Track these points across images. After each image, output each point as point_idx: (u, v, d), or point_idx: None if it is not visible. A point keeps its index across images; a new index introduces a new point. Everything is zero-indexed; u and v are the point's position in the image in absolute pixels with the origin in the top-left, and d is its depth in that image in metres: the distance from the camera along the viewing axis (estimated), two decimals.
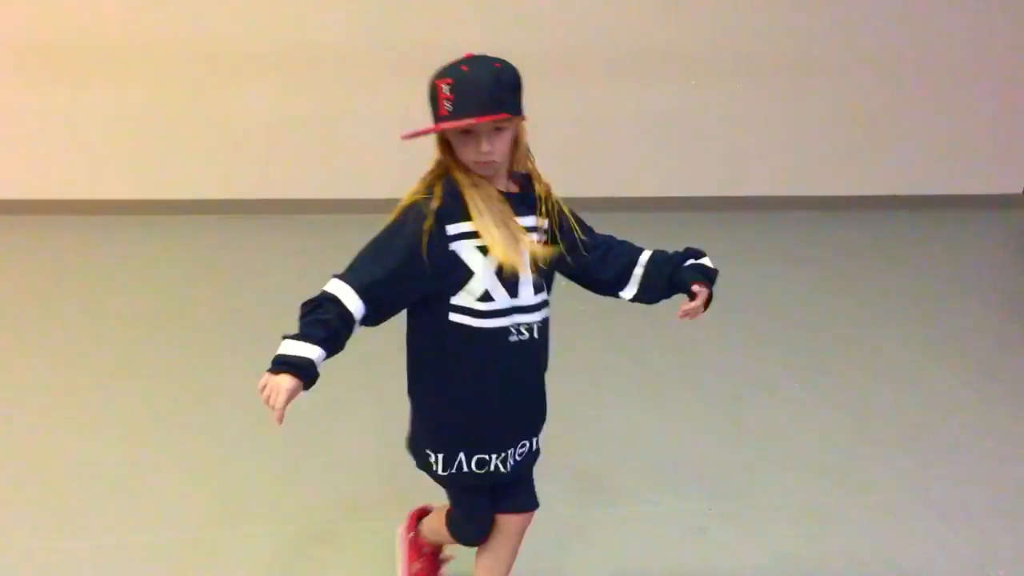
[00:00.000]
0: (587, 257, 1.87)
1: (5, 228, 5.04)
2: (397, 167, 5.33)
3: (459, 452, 1.83)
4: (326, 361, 1.59)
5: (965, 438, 3.25)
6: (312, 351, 1.56)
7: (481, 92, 1.65)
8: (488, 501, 1.95)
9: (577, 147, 5.68)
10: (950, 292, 4.73)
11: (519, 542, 2.02)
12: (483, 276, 1.72)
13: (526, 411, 1.89)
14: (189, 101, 5.24)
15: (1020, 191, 6.37)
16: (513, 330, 1.76)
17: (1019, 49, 6.01)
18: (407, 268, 1.67)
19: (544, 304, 1.83)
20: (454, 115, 1.65)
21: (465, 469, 1.84)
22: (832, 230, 5.74)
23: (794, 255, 5.20)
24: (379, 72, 5.31)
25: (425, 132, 1.70)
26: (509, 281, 1.74)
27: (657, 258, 1.90)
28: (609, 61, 5.57)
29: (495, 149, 1.70)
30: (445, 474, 1.85)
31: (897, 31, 5.81)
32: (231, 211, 5.42)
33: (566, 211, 1.87)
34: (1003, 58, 6.01)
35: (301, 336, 1.58)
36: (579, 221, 1.90)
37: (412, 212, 1.70)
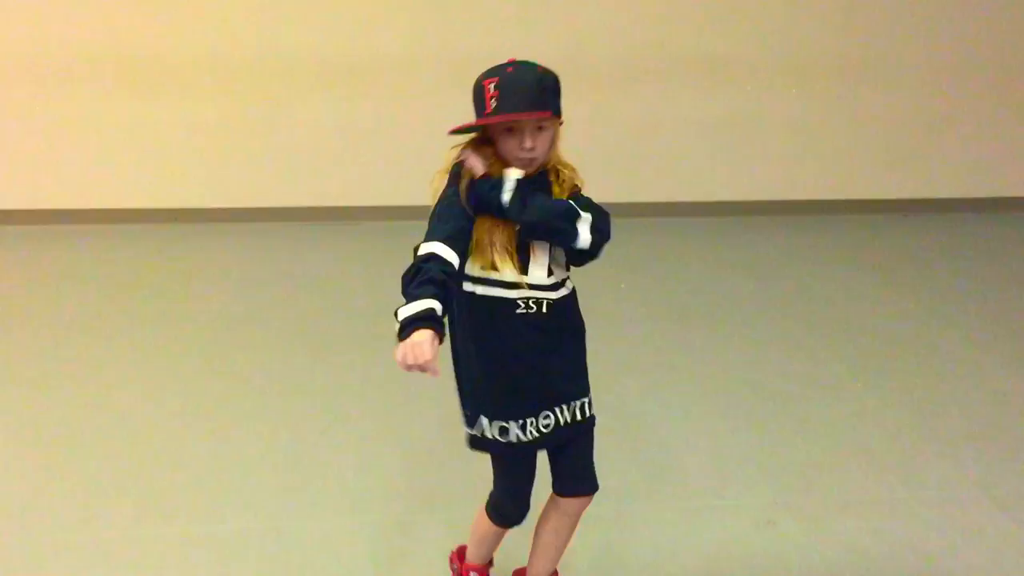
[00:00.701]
0: None
1: (89, 237, 5.26)
2: None
3: (480, 416, 1.91)
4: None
5: None
6: (429, 303, 1.60)
7: (527, 91, 1.75)
8: (527, 480, 2.03)
9: (634, 152, 5.75)
10: (1015, 293, 4.70)
11: (575, 523, 2.10)
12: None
13: (543, 383, 1.91)
14: (258, 113, 5.42)
15: None
16: (521, 303, 1.83)
17: None
18: (468, 221, 1.79)
19: (557, 285, 1.88)
20: (499, 111, 1.74)
21: (489, 436, 1.92)
22: (891, 233, 5.72)
23: (855, 258, 5.20)
24: (437, 83, 5.45)
25: (471, 126, 1.80)
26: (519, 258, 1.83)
27: None
28: (665, 67, 5.63)
29: (537, 146, 1.79)
30: (474, 432, 1.93)
31: (950, 35, 5.78)
32: (300, 218, 5.59)
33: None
34: None
35: (414, 297, 1.62)
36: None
37: (453, 174, 1.83)
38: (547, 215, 1.79)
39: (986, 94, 5.93)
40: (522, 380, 1.89)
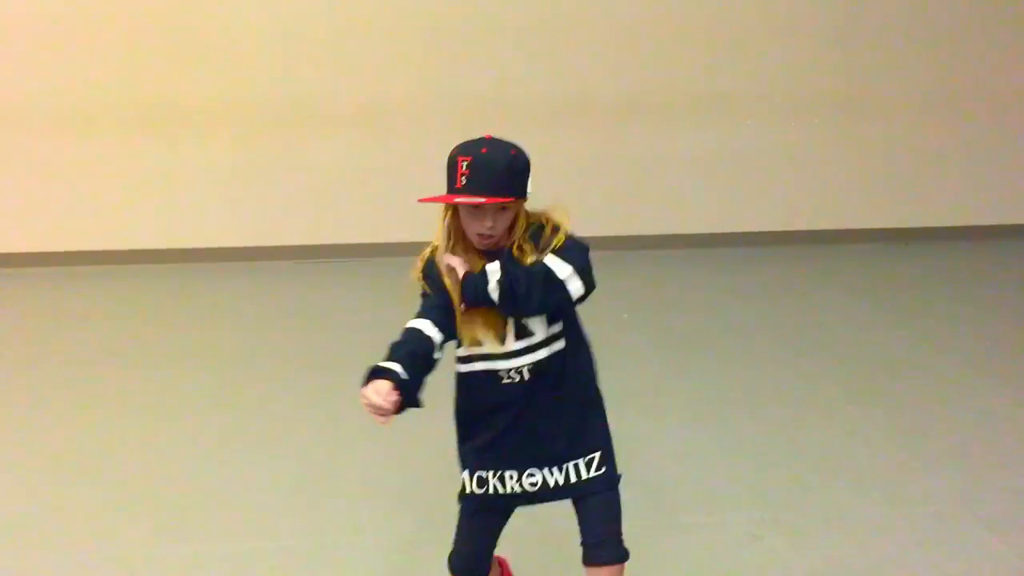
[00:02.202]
0: None
1: (108, 277, 5.47)
2: None
3: (464, 470, 1.99)
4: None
5: (1018, 455, 3.33)
6: (390, 364, 1.80)
7: (495, 174, 1.80)
8: (485, 537, 2.06)
9: (636, 186, 5.92)
10: (1007, 318, 4.79)
11: None
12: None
13: (528, 441, 1.93)
14: (273, 154, 5.64)
15: None
16: (503, 374, 1.90)
17: None
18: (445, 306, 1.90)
19: (531, 348, 1.90)
20: (467, 189, 1.80)
21: (467, 490, 1.98)
22: (889, 261, 5.83)
23: (850, 286, 5.31)
24: (445, 124, 5.65)
25: (440, 200, 1.86)
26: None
27: None
28: (666, 104, 5.81)
29: (497, 226, 1.84)
30: (461, 488, 2.01)
31: (944, 68, 5.94)
32: (311, 256, 5.78)
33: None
34: None
35: (383, 359, 1.82)
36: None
37: (428, 269, 1.94)
38: (540, 299, 1.81)
39: (981, 125, 6.07)
40: (503, 437, 1.94)
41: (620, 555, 2.03)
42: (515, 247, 1.87)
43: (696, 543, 2.80)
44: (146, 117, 5.50)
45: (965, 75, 5.97)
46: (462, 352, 1.94)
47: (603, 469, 1.99)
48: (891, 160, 6.08)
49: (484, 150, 1.84)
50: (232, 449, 3.38)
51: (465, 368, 1.94)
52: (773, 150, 5.98)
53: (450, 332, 1.90)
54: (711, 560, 2.71)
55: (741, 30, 5.81)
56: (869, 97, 5.96)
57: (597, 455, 1.98)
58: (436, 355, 1.88)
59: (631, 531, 2.81)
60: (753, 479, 3.16)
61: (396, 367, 1.80)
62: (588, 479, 1.98)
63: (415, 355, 1.84)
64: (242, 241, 5.71)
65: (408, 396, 1.79)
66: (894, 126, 6.01)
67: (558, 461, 1.95)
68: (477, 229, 1.85)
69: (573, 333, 1.96)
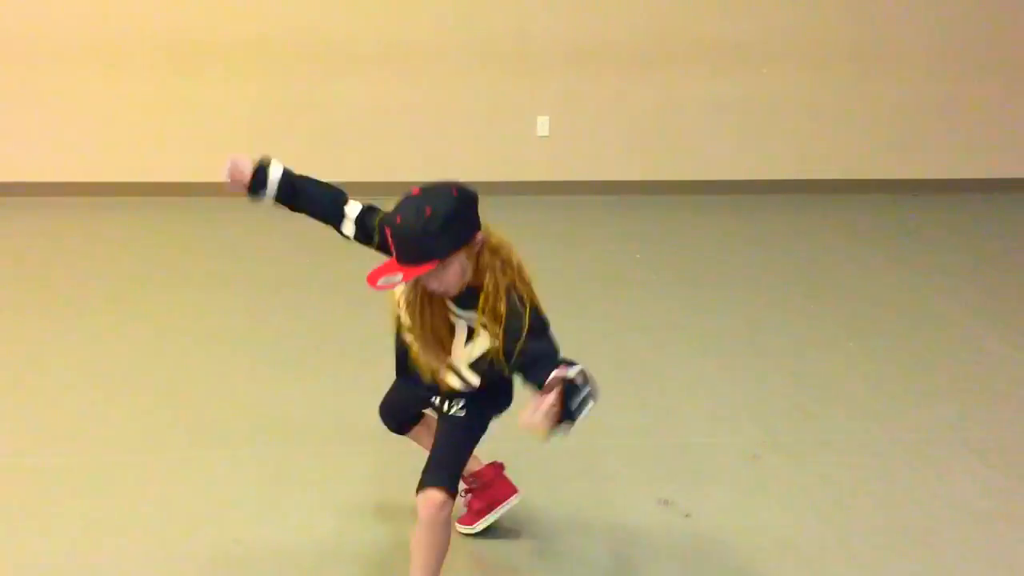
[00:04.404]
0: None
1: (139, 208, 5.65)
2: (485, 151, 5.78)
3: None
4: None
5: (1009, 391, 3.49)
6: (281, 165, 2.13)
7: (410, 244, 1.83)
8: (393, 395, 2.40)
9: (653, 132, 6.03)
10: (1011, 267, 4.91)
11: (424, 530, 2.10)
12: None
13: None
14: (298, 92, 5.78)
15: None
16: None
17: None
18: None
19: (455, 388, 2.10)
20: (399, 259, 1.87)
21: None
22: (899, 212, 5.92)
23: (858, 234, 5.43)
24: (469, 64, 5.77)
25: (371, 279, 1.89)
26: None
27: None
28: (684, 52, 5.90)
29: (442, 283, 1.92)
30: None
31: (960, 20, 5.99)
32: None
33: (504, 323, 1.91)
34: None
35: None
36: (515, 342, 1.89)
37: None
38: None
39: (994, 78, 6.13)
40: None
41: (432, 479, 2.11)
42: (480, 294, 1.93)
43: (701, 459, 2.99)
44: (176, 53, 5.63)
45: (979, 28, 6.02)
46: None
47: (464, 413, 2.15)
48: (903, 112, 6.16)
49: (398, 219, 1.85)
50: (267, 369, 3.59)
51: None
52: (788, 99, 6.07)
53: (363, 239, 2.10)
54: (714, 474, 2.91)
55: None
56: (883, 49, 6.02)
57: (467, 400, 2.14)
58: (332, 221, 2.13)
59: (643, 448, 3.03)
60: (755, 406, 3.35)
61: (278, 169, 2.12)
62: (451, 412, 2.16)
63: (312, 191, 2.14)
64: None
65: (258, 184, 2.09)
66: (907, 78, 6.08)
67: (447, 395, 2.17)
68: (430, 288, 1.96)
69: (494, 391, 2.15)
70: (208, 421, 3.17)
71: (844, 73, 6.04)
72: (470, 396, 2.13)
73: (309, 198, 2.13)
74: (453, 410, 2.15)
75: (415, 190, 1.89)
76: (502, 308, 1.90)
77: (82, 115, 5.72)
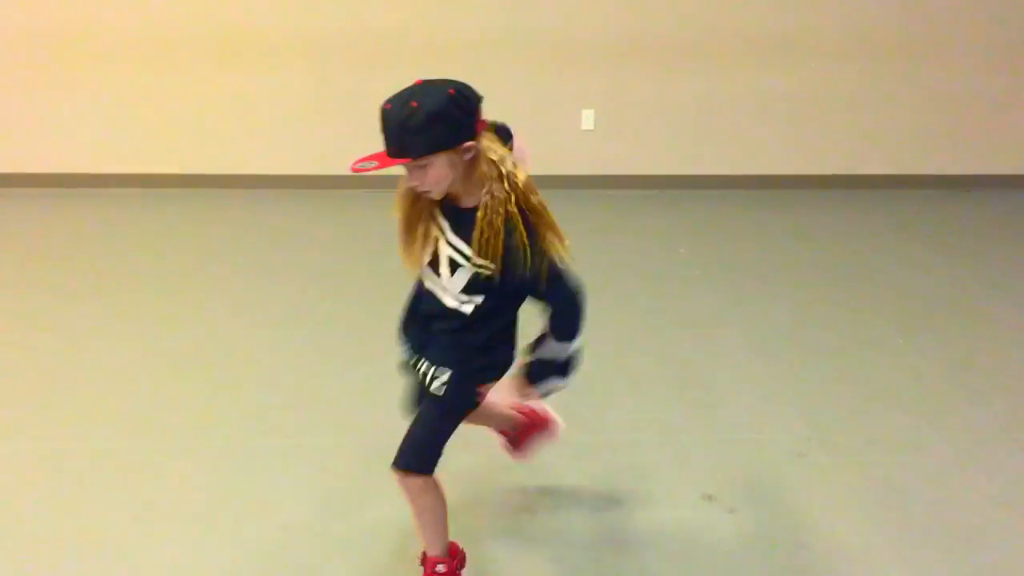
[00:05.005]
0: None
1: (188, 199, 5.74)
2: (530, 145, 5.78)
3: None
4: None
5: None
6: None
7: (390, 135, 1.77)
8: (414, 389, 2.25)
9: (698, 126, 5.99)
10: None
11: (411, 502, 2.19)
12: None
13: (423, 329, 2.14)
14: (346, 86, 5.82)
15: None
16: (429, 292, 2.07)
17: None
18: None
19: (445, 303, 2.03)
20: (385, 147, 1.80)
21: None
22: (952, 208, 5.82)
23: (908, 230, 5.35)
24: (514, 60, 5.78)
25: (356, 165, 1.83)
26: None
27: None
28: (729, 45, 5.85)
29: (421, 182, 1.83)
30: None
31: (1014, 11, 5.86)
32: (385, 187, 5.96)
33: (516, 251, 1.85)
34: None
35: None
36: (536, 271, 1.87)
37: None
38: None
39: None
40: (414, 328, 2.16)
41: (400, 462, 2.11)
42: (479, 207, 1.84)
43: (746, 456, 2.98)
44: (224, 48, 5.71)
45: None
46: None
47: (442, 391, 2.08)
48: (954, 106, 6.05)
49: (388, 106, 1.77)
50: (310, 359, 3.64)
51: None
52: (836, 93, 5.99)
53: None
54: (759, 472, 2.90)
55: None
56: (935, 41, 5.92)
57: (445, 376, 2.08)
58: None
59: (686, 442, 3.02)
60: (801, 403, 3.32)
61: None
62: (431, 387, 2.10)
63: None
64: (317, 169, 5.93)
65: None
66: (959, 70, 5.97)
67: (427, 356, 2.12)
68: (410, 183, 1.87)
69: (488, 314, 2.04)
70: (258, 409, 3.23)
71: (894, 66, 5.94)
72: (455, 366, 2.07)
73: None
74: (434, 385, 2.08)
75: (419, 80, 1.80)
76: (499, 243, 1.83)
77: (136, 108, 5.82)
